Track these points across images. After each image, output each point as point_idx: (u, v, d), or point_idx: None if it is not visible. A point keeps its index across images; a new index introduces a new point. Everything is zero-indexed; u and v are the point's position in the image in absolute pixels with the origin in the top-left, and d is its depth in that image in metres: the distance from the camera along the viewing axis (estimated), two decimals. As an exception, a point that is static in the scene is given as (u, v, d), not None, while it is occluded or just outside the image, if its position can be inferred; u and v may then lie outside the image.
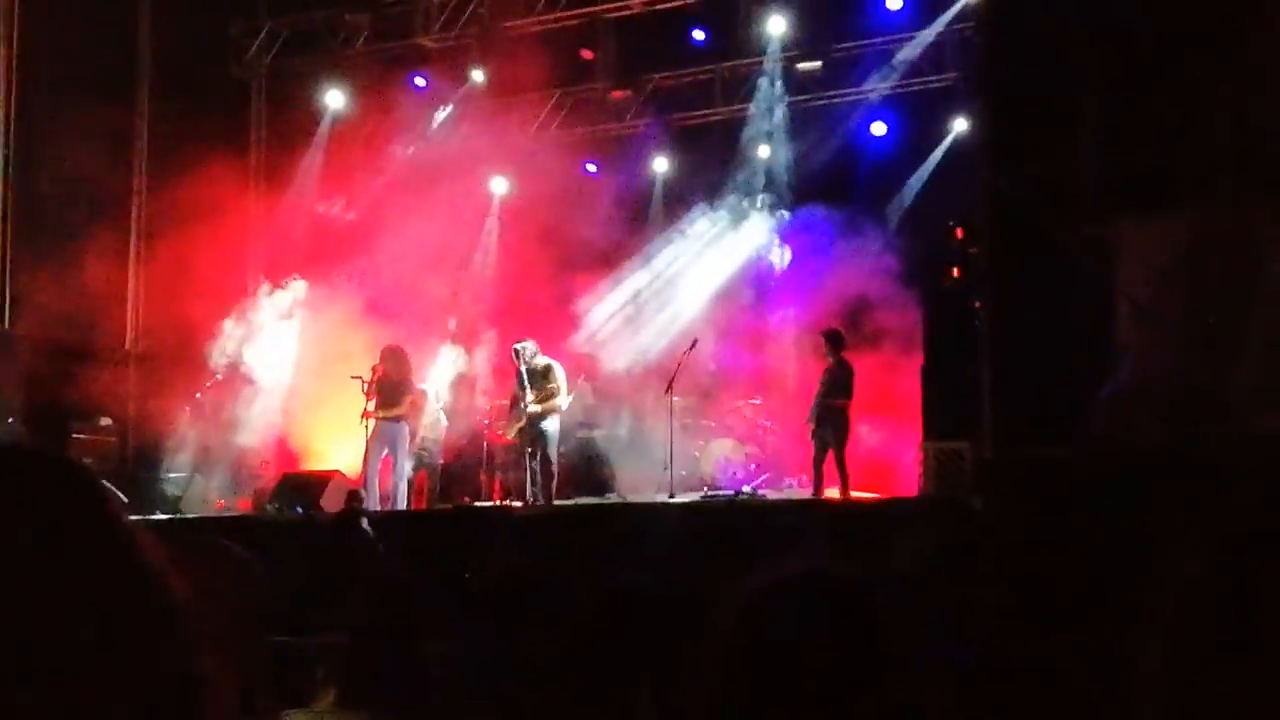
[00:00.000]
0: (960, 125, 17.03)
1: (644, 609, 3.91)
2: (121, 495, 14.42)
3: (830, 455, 13.61)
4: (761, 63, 17.39)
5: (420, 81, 19.02)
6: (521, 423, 15.09)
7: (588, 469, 16.15)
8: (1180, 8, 9.26)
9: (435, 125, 18.97)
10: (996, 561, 9.03)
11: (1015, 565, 8.90)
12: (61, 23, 16.12)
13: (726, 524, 11.25)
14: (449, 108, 18.95)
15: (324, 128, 18.82)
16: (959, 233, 14.13)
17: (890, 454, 14.46)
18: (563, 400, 15.13)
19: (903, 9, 16.93)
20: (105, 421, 16.69)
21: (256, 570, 3.08)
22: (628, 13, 17.90)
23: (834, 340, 14.06)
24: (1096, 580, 8.05)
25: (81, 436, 16.14)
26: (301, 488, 15.11)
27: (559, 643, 3.85)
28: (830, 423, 13.68)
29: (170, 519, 14.43)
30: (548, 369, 15.24)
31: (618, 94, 19.10)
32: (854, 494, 13.46)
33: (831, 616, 1.81)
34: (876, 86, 17.23)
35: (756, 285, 17.91)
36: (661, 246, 18.63)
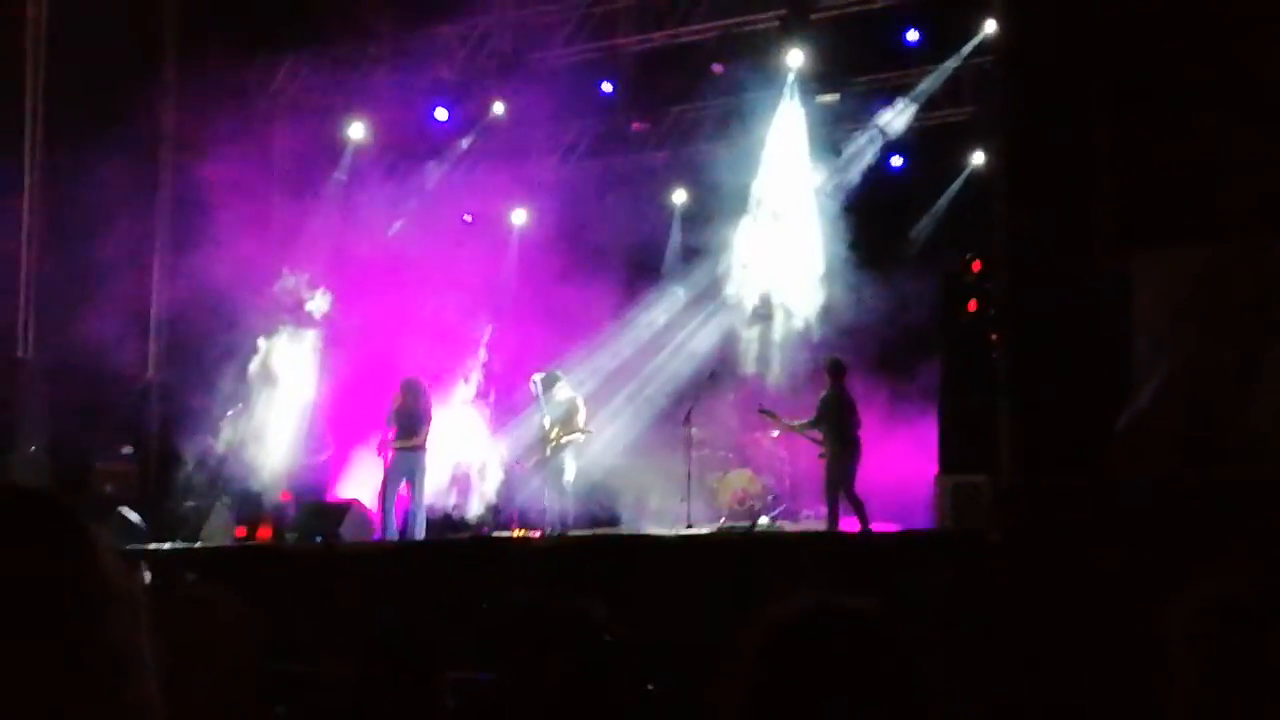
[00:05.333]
0: (978, 158, 17.06)
1: (663, 644, 3.92)
2: (142, 523, 14.54)
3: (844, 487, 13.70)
4: (780, 95, 17.44)
5: (442, 113, 19.12)
6: (543, 453, 15.17)
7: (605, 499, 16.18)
8: (1197, 48, 9.29)
9: (456, 156, 19.07)
10: (1015, 594, 9.01)
11: (1034, 598, 8.88)
12: (87, 50, 16.25)
13: (744, 556, 11.24)
14: (470, 139, 19.06)
15: (346, 159, 18.93)
16: (976, 265, 14.16)
17: (906, 487, 14.44)
18: (582, 432, 15.20)
19: (920, 41, 16.97)
20: (127, 450, 16.77)
21: (249, 621, 3.12)
22: (648, 45, 18.01)
23: (833, 369, 14.16)
24: (1115, 612, 8.03)
25: (103, 465, 16.22)
26: (321, 516, 15.15)
27: (576, 678, 3.87)
28: (831, 453, 13.77)
29: (191, 548, 14.48)
30: (569, 400, 15.34)
31: (638, 126, 19.20)
32: (872, 527, 13.45)
33: (850, 652, 1.81)
34: (894, 119, 17.27)
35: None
36: (679, 279, 18.70)
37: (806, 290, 17.41)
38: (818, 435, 14.16)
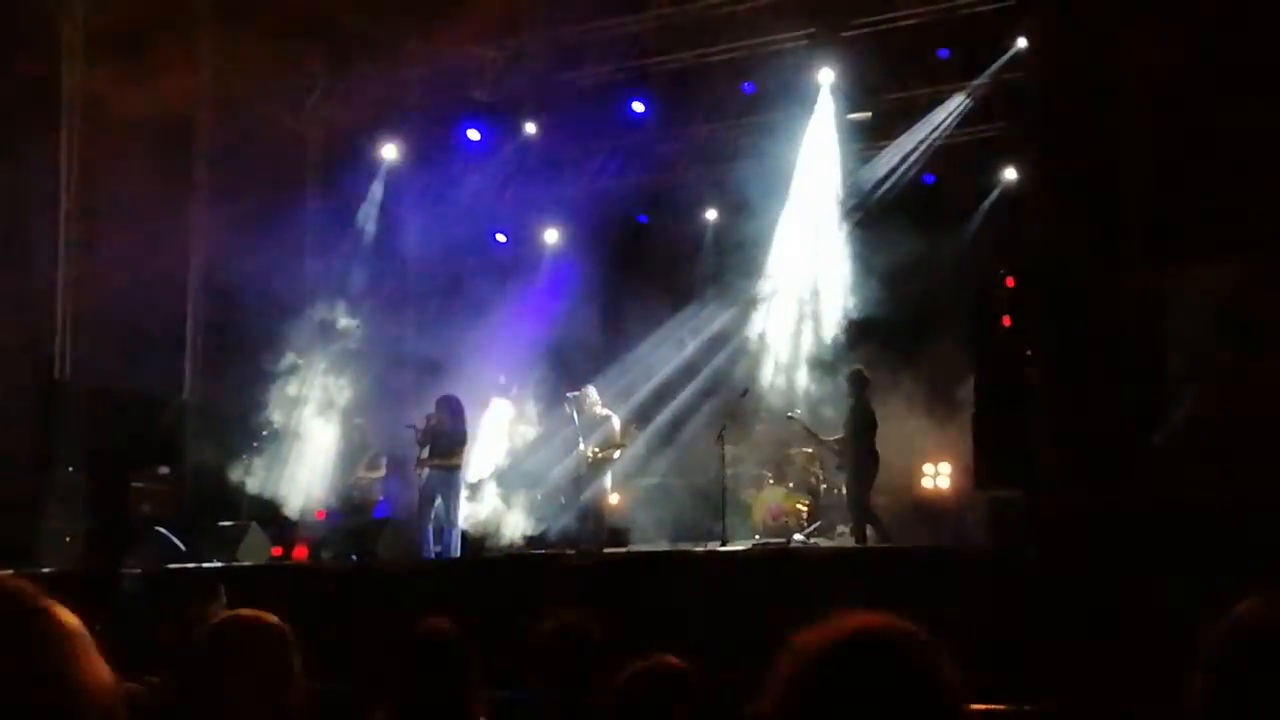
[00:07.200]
0: (1010, 174, 17.01)
1: (698, 663, 3.92)
2: (179, 543, 14.61)
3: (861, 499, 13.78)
4: (811, 113, 17.45)
5: (474, 134, 19.21)
6: (579, 471, 15.20)
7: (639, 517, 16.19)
8: (1227, 66, 9.28)
9: (489, 176, 19.16)
10: (1051, 611, 8.98)
11: (1070, 614, 8.85)
12: (124, 76, 16.37)
13: (778, 573, 11.22)
14: (502, 159, 19.15)
15: (379, 178, 19.05)
16: (1009, 281, 14.11)
17: (942, 503, 14.39)
18: (618, 448, 15.23)
19: (952, 58, 16.94)
20: (163, 470, 16.87)
21: (287, 640, 3.15)
22: (679, 65, 18.06)
23: (855, 381, 14.21)
24: (1151, 629, 8.00)
25: (140, 485, 16.32)
26: (356, 535, 15.19)
27: (613, 696, 3.87)
28: (851, 466, 13.83)
29: (227, 567, 14.55)
30: (605, 418, 15.36)
31: (668, 145, 19.25)
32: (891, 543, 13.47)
33: (886, 672, 1.80)
34: (926, 135, 17.22)
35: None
36: (711, 299, 18.74)
37: (839, 305, 17.40)
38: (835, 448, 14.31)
